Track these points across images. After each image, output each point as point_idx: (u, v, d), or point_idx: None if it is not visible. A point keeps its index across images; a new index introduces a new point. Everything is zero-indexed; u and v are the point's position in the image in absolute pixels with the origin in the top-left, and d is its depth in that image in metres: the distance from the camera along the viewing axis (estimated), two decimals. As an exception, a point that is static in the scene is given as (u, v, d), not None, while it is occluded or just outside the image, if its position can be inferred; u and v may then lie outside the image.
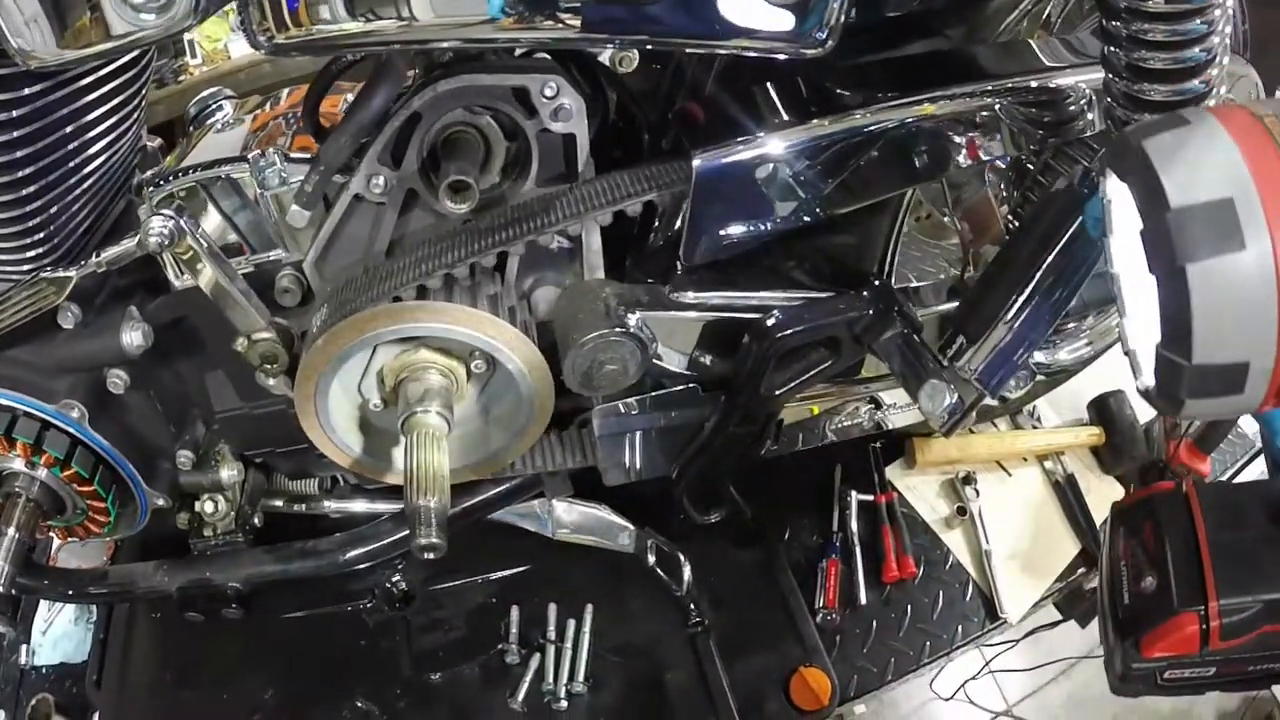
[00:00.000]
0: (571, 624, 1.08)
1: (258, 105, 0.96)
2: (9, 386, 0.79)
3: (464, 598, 1.11)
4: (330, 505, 1.03)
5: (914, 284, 1.09)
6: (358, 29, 0.64)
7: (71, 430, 0.81)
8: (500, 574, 1.13)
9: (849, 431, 1.23)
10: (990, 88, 0.82)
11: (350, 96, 0.80)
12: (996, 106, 0.83)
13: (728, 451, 0.90)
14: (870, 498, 1.22)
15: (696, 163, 0.75)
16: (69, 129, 0.73)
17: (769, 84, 0.81)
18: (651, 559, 1.09)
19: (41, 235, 0.75)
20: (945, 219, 1.22)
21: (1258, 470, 1.29)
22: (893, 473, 1.26)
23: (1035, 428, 1.31)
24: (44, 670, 1.11)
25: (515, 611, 1.08)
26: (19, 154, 0.68)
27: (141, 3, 0.57)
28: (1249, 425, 1.31)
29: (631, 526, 1.09)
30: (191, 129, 0.97)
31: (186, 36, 1.68)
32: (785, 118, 0.79)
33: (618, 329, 0.77)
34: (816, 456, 1.25)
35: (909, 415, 1.20)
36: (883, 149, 0.80)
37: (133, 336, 0.79)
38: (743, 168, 0.77)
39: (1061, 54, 0.87)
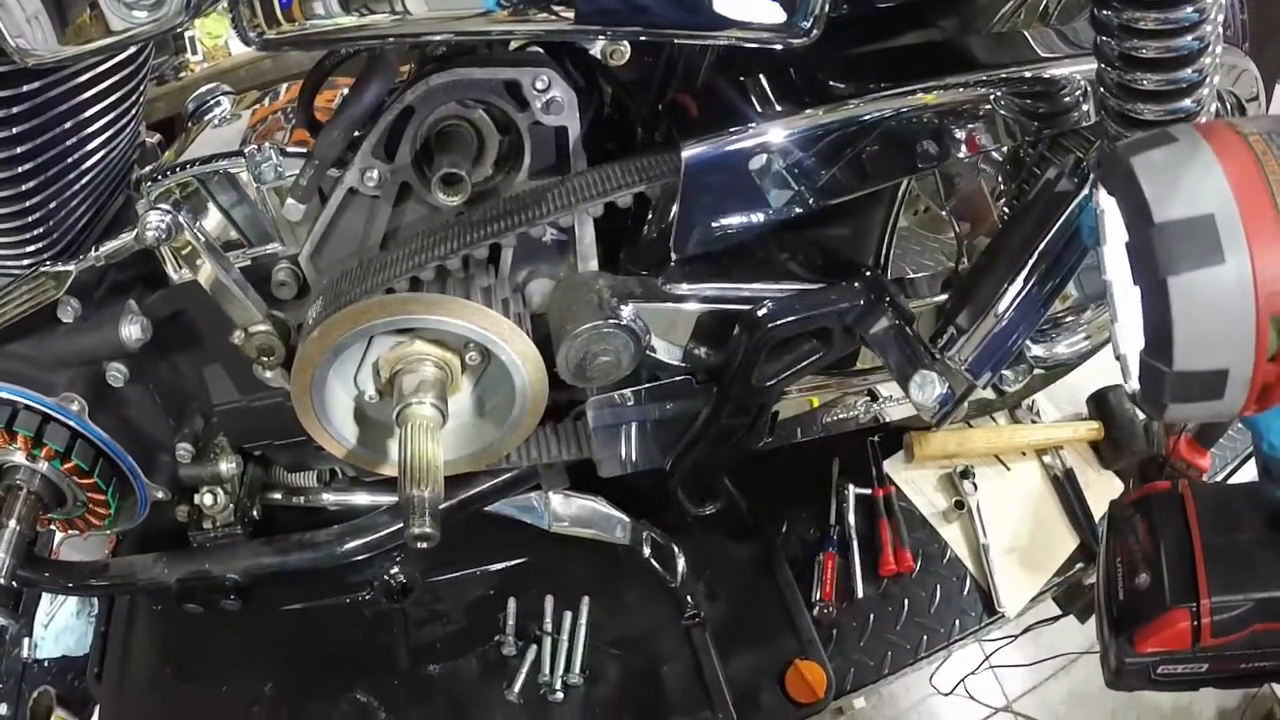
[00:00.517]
0: (568, 616, 1.08)
1: (255, 100, 0.97)
2: (10, 380, 0.80)
3: (461, 590, 1.12)
4: (328, 497, 1.04)
5: (910, 275, 1.10)
6: (352, 23, 0.64)
7: (71, 423, 0.82)
8: (497, 566, 1.13)
9: (846, 425, 1.23)
10: (984, 78, 0.82)
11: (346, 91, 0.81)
12: (991, 97, 0.83)
13: (721, 443, 0.90)
14: (868, 491, 1.22)
15: (686, 154, 0.76)
16: (68, 125, 0.74)
17: (760, 75, 0.81)
18: (647, 551, 1.09)
19: (41, 230, 0.76)
20: (941, 212, 1.22)
21: (1253, 468, 1.28)
22: (891, 466, 1.25)
23: (1034, 422, 1.31)
24: (46, 663, 1.12)
25: (512, 604, 1.09)
26: (18, 150, 0.69)
27: (134, 0, 0.58)
28: (1249, 419, 1.31)
29: (627, 519, 1.09)
30: (190, 124, 0.98)
31: (187, 33, 1.69)
32: (777, 108, 0.79)
33: (611, 320, 0.78)
34: (814, 450, 1.25)
35: (907, 408, 1.20)
36: (875, 140, 0.80)
37: (131, 330, 0.80)
38: (733, 159, 0.77)
39: (1056, 44, 0.87)
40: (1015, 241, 0.84)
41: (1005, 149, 0.97)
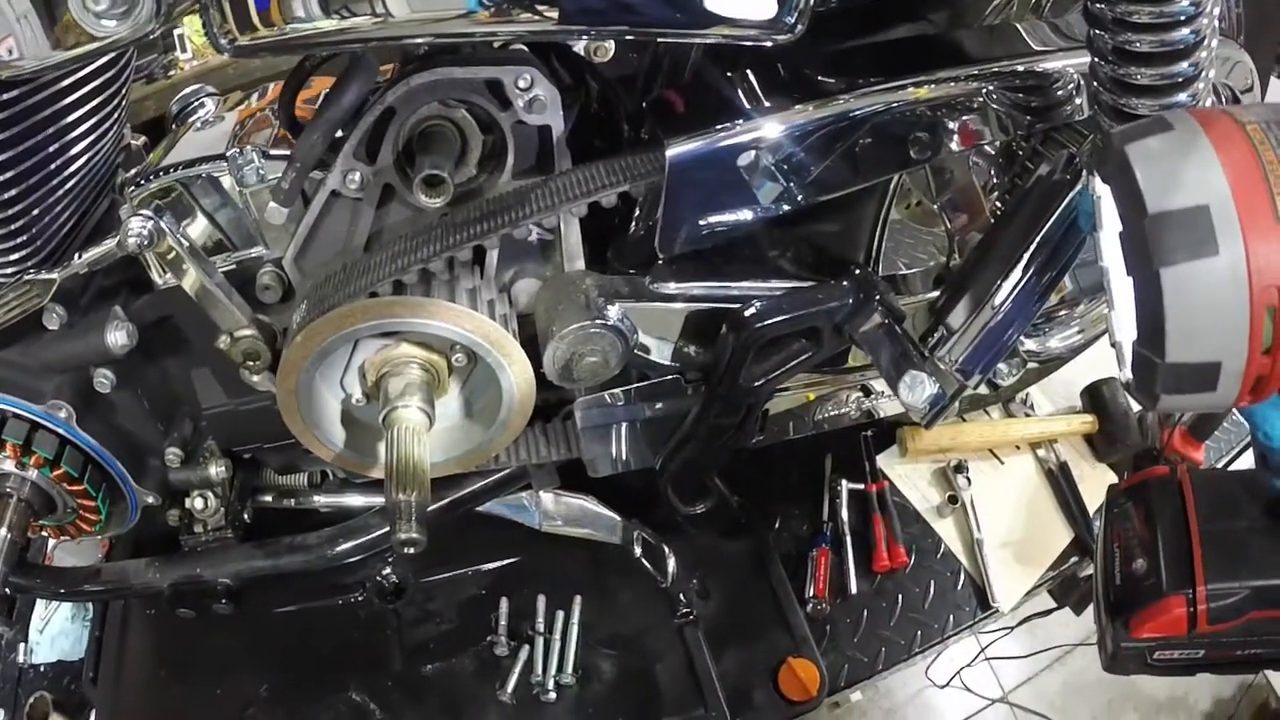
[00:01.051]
0: (560, 616, 1.08)
1: (239, 102, 0.96)
2: (-3, 388, 0.80)
3: (454, 590, 1.12)
4: (319, 499, 1.04)
5: (902, 271, 1.09)
6: (332, 26, 0.63)
7: (60, 430, 0.82)
8: (489, 566, 1.13)
9: (839, 420, 1.23)
10: (976, 72, 0.81)
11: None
12: (983, 91, 0.82)
13: (711, 442, 0.90)
14: (861, 486, 1.22)
15: (670, 152, 0.75)
16: (49, 131, 0.73)
17: (747, 71, 0.80)
18: (638, 551, 1.09)
19: (24, 238, 0.75)
20: (933, 206, 1.21)
21: (1252, 457, 1.28)
22: (884, 461, 1.25)
23: (1028, 415, 1.31)
24: (41, 668, 1.12)
25: (504, 603, 1.09)
26: None
27: (103, 9, 0.57)
28: (1244, 411, 1.30)
29: (618, 518, 1.09)
30: (174, 126, 0.97)
31: (176, 31, 1.67)
32: (765, 104, 0.78)
33: (598, 321, 0.77)
34: (807, 445, 1.25)
35: (899, 403, 1.19)
36: (865, 135, 0.79)
37: (117, 336, 0.79)
38: (719, 156, 0.76)
39: (1049, 38, 0.86)
40: (1007, 238, 0.84)
41: (998, 143, 0.96)
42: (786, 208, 0.80)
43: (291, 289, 0.84)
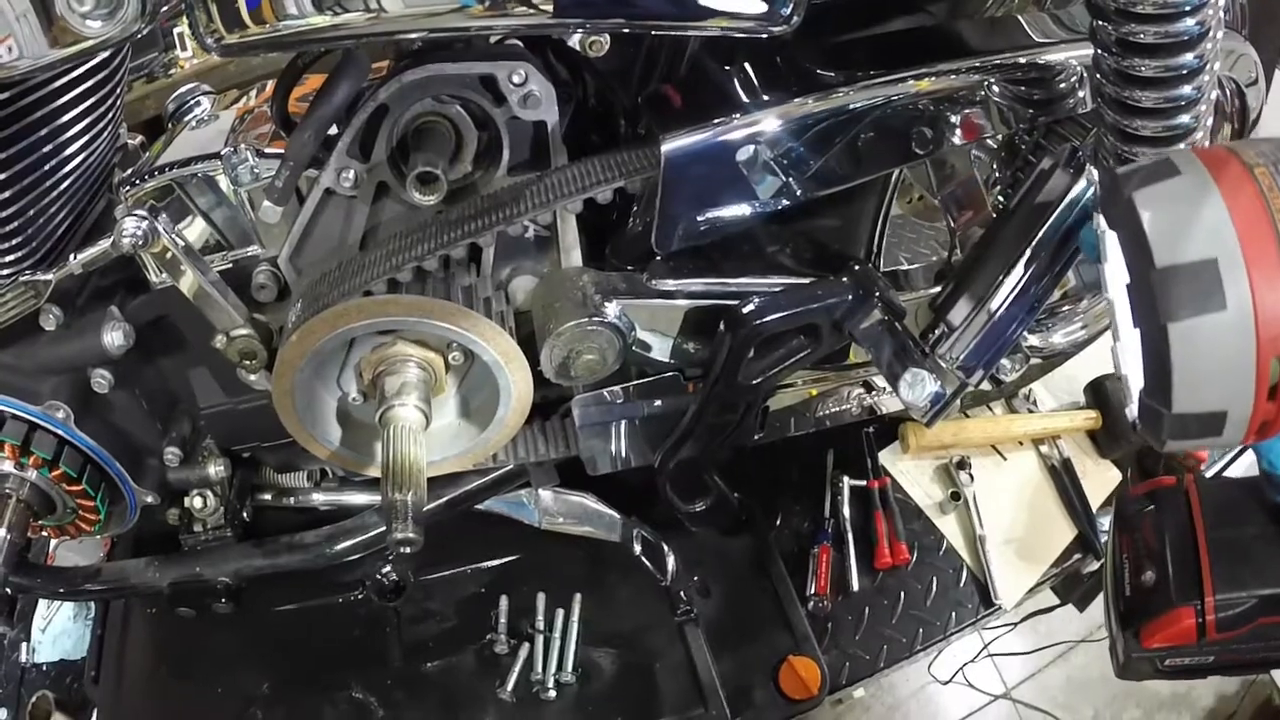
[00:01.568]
0: (560, 613, 1.08)
1: (235, 100, 0.96)
2: (-5, 389, 0.80)
3: (453, 588, 1.12)
4: (319, 498, 1.04)
5: (904, 266, 1.08)
6: (325, 22, 0.63)
7: (58, 431, 0.82)
8: (489, 564, 1.13)
9: (841, 416, 1.22)
10: (978, 64, 0.80)
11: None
12: (985, 84, 0.81)
13: (709, 440, 0.89)
14: (863, 483, 1.21)
15: (665, 147, 0.74)
16: (44, 132, 0.73)
17: (745, 64, 0.79)
18: (638, 549, 1.09)
19: (19, 240, 0.75)
20: (934, 200, 1.20)
21: (1254, 457, 1.27)
22: (886, 458, 1.25)
23: (1031, 411, 1.30)
24: (44, 667, 1.13)
25: (504, 601, 1.08)
26: (-6, 161, 0.68)
27: (88, 10, 0.57)
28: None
29: (618, 515, 1.08)
30: (170, 125, 0.97)
31: (176, 30, 1.66)
32: (763, 98, 0.77)
33: (595, 318, 0.77)
34: (808, 442, 1.24)
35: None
36: (865, 129, 0.78)
37: (114, 336, 0.79)
38: (716, 151, 0.75)
39: (1051, 29, 0.85)
40: (1010, 233, 0.82)
41: (1000, 137, 0.95)
42: (785, 203, 0.79)
43: (287, 288, 0.84)
